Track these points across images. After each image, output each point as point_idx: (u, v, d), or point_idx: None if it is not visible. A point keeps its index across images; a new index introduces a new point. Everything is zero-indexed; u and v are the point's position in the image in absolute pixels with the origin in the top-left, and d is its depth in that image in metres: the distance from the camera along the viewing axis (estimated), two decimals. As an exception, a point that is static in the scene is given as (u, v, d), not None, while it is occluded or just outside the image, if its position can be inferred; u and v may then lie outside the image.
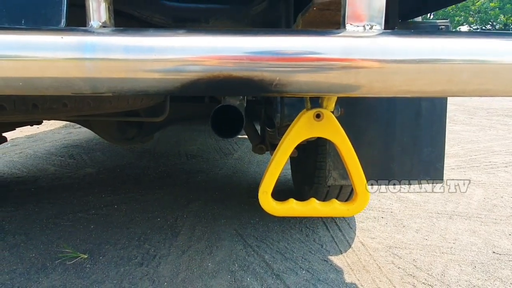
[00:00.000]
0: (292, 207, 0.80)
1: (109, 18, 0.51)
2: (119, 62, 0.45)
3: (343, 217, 1.78)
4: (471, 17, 38.50)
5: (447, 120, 4.25)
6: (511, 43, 0.48)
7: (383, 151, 1.20)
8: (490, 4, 33.13)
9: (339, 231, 1.64)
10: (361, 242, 1.53)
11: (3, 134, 2.05)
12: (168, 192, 2.10)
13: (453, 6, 37.73)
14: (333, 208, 0.79)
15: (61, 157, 2.85)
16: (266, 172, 0.76)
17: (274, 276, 1.29)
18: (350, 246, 1.50)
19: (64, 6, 0.54)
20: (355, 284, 1.25)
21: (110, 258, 1.40)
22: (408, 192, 2.15)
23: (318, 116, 0.73)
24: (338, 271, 1.32)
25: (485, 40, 0.48)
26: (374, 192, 2.14)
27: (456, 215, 1.82)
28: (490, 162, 2.80)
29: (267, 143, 1.59)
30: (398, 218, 1.78)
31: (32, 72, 0.46)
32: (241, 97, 1.26)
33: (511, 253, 1.45)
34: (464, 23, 41.53)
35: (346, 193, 1.47)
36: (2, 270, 1.32)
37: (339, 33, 0.48)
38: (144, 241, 1.52)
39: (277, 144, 0.78)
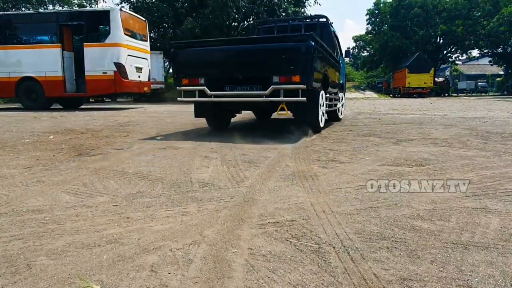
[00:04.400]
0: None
1: None
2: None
3: (356, 248, 1.75)
4: (481, 40, 38.61)
5: (461, 145, 4.16)
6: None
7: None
8: (500, 28, 33.24)
9: (351, 262, 1.62)
10: (375, 274, 1.50)
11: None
12: (180, 221, 2.11)
13: (462, 30, 38.00)
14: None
15: (73, 185, 2.90)
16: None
17: (286, 309, 1.27)
18: (363, 278, 1.48)
19: None
20: (368, 318, 1.22)
21: (122, 290, 1.40)
22: (422, 220, 2.12)
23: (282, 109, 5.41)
24: (351, 304, 1.30)
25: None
26: (387, 222, 2.11)
27: (472, 245, 1.78)
28: (506, 189, 2.75)
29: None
30: (412, 249, 1.75)
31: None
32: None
33: (531, 286, 1.40)
34: (474, 47, 41.62)
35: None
36: (16, 301, 1.33)
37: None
38: (156, 272, 1.53)
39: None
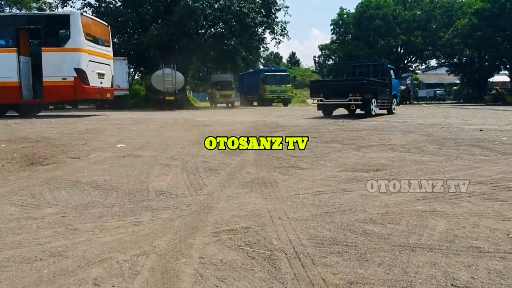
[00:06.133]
0: None
1: None
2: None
3: (308, 254, 1.76)
4: (438, 51, 40.63)
5: (417, 151, 4.29)
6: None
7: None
8: (454, 40, 35.18)
9: (302, 267, 1.62)
10: (323, 279, 1.51)
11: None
12: (131, 232, 2.04)
13: (421, 41, 39.87)
14: None
15: (20, 196, 2.75)
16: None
17: (231, 319, 1.25)
18: (311, 283, 1.48)
19: None
20: (314, 324, 1.22)
21: (60, 306, 1.33)
22: (374, 224, 2.16)
23: (352, 107, 12.40)
24: (298, 310, 1.29)
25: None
26: (340, 227, 2.14)
27: (419, 247, 1.83)
28: (454, 192, 2.87)
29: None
30: (361, 252, 1.78)
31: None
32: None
33: (469, 285, 1.46)
34: (433, 57, 43.73)
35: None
36: None
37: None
38: (98, 285, 1.46)
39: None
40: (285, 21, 29.47)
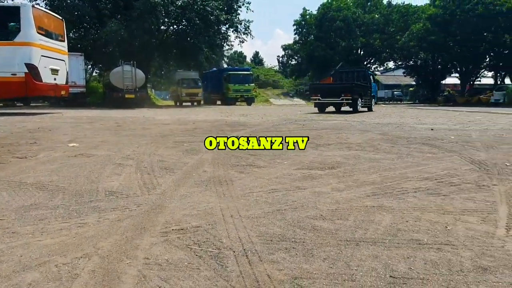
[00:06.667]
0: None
1: None
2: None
3: (256, 251, 1.77)
4: (395, 53, 42.37)
5: (371, 149, 4.42)
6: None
7: None
8: (410, 43, 36.85)
9: (248, 265, 1.62)
10: (268, 275, 1.52)
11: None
12: (74, 234, 1.96)
13: (380, 43, 41.37)
14: None
15: (-43, 199, 2.56)
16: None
17: (171, 319, 1.22)
18: (256, 280, 1.49)
19: None
20: (255, 320, 1.22)
21: (-13, 314, 1.24)
22: (323, 220, 2.21)
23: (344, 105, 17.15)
24: (240, 308, 1.29)
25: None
26: (290, 224, 2.17)
27: (363, 241, 1.89)
28: (402, 188, 2.99)
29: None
30: (308, 248, 1.81)
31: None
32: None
33: (406, 276, 1.52)
34: (390, 59, 45.55)
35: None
36: None
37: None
38: (33, 291, 1.38)
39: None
40: (249, 20, 29.41)
